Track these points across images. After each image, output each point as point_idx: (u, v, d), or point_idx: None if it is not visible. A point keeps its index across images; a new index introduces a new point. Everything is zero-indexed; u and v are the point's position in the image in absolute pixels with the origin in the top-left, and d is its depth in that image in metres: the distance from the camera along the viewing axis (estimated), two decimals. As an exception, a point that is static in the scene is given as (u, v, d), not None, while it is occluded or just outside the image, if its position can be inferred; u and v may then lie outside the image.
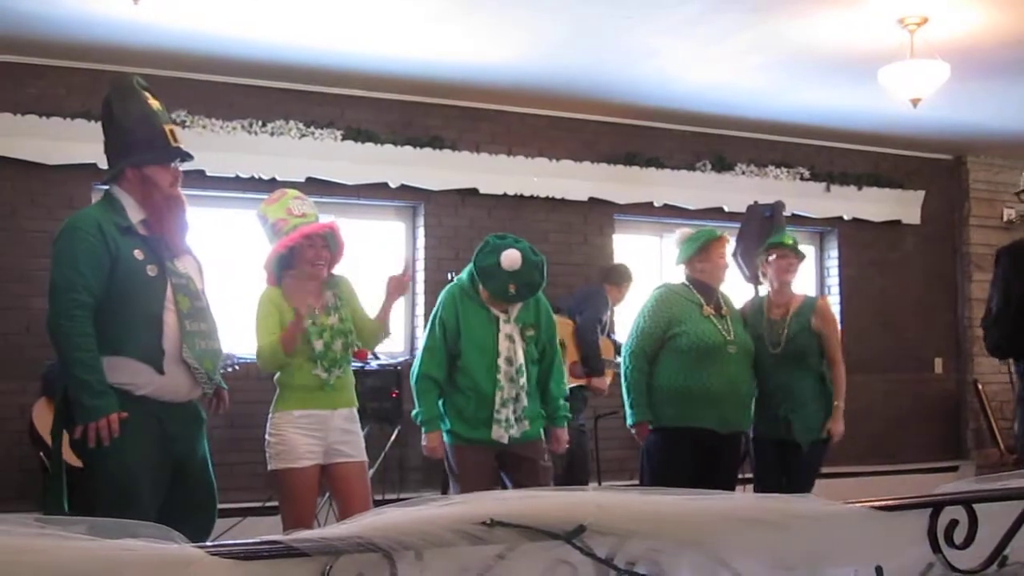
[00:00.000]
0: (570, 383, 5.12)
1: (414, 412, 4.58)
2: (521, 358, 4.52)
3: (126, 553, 1.35)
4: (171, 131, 3.67)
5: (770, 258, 5.20)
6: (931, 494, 1.94)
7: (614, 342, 7.04)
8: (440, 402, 4.56)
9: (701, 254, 5.01)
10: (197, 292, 3.68)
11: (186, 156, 3.71)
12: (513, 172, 7.59)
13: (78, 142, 6.20)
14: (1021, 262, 4.42)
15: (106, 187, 3.70)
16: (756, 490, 5.16)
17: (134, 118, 3.59)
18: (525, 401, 4.51)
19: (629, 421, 4.97)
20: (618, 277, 7.23)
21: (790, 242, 5.22)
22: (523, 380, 4.52)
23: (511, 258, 4.37)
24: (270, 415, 4.26)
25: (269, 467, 4.24)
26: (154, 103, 3.65)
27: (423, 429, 4.54)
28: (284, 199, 4.38)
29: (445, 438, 4.53)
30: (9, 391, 6.02)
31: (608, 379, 6.84)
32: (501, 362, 4.47)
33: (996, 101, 7.49)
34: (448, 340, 4.51)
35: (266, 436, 4.27)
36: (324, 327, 4.29)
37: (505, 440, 4.46)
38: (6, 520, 1.39)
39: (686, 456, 4.80)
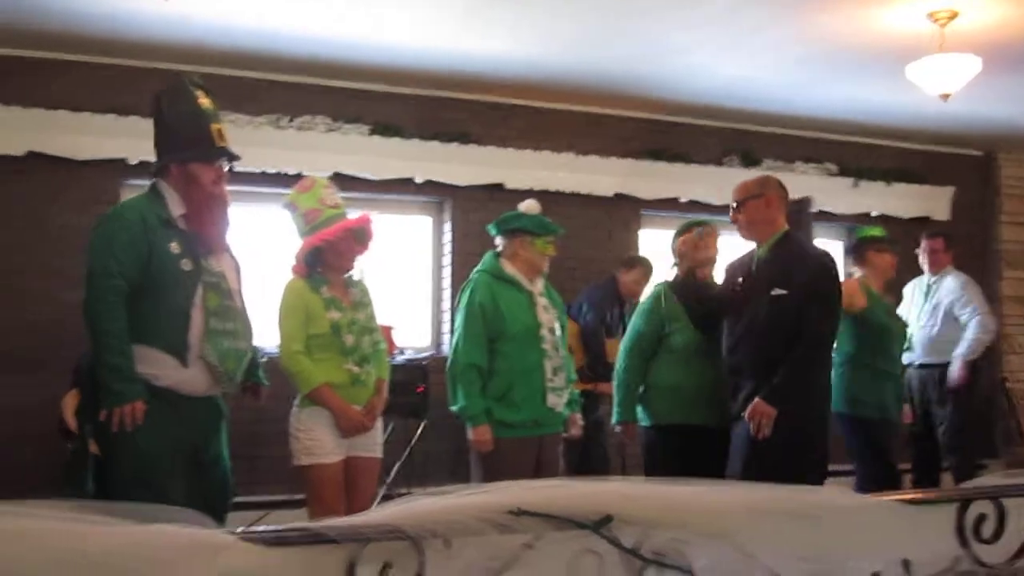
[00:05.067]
0: (576, 387, 4.97)
1: (458, 406, 4.50)
2: (559, 329, 4.60)
3: (161, 537, 1.37)
4: (218, 130, 3.75)
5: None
6: (959, 488, 1.94)
7: None
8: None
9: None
10: (229, 291, 3.72)
11: (232, 156, 3.78)
12: (540, 167, 7.57)
13: (107, 137, 6.27)
14: None
15: (152, 180, 3.79)
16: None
17: (181, 116, 3.69)
18: (564, 372, 4.60)
19: (614, 419, 4.91)
20: (630, 261, 6.88)
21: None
22: (562, 351, 4.60)
23: (529, 204, 4.72)
24: (296, 410, 4.23)
25: (295, 463, 4.22)
26: (204, 102, 3.74)
27: (469, 424, 4.48)
28: (315, 188, 4.36)
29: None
30: (39, 384, 6.04)
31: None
32: (544, 332, 4.54)
33: (1027, 96, 7.43)
34: (488, 324, 4.50)
35: (292, 431, 4.23)
36: (354, 322, 4.28)
37: (559, 408, 4.52)
38: (44, 507, 1.41)
39: (688, 452, 4.68)
